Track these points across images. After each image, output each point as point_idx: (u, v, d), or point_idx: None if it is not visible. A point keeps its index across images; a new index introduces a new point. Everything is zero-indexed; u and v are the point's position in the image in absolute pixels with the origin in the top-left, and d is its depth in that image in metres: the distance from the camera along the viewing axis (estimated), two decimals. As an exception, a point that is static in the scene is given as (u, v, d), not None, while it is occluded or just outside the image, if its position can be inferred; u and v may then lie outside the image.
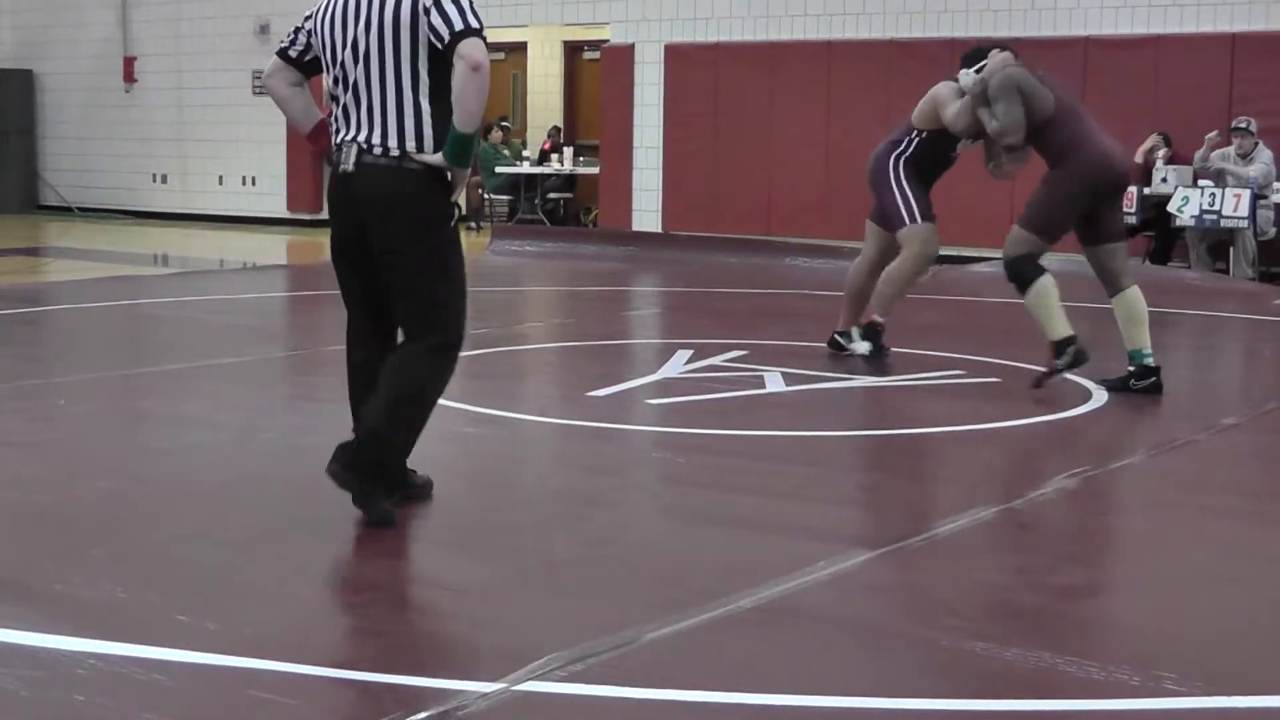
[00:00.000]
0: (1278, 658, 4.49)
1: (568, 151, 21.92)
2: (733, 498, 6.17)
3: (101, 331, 11.52)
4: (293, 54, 5.81)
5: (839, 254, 17.12)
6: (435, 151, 5.52)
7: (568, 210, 22.81)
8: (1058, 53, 16.36)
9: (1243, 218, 14.96)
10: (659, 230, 19.46)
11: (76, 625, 4.42)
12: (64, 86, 25.18)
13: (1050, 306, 8.66)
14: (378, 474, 5.61)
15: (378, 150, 5.53)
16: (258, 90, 22.89)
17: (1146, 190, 15.96)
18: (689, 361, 9.47)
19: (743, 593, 4.79)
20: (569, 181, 22.39)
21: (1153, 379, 8.60)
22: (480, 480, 6.53)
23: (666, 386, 8.65)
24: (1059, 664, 4.22)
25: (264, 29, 22.77)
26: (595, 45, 21.94)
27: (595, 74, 21.92)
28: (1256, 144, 15.32)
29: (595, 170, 20.93)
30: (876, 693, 4.02)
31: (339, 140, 5.65)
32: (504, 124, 22.56)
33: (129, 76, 24.42)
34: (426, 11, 5.43)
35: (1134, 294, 8.71)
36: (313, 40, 5.74)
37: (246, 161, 23.25)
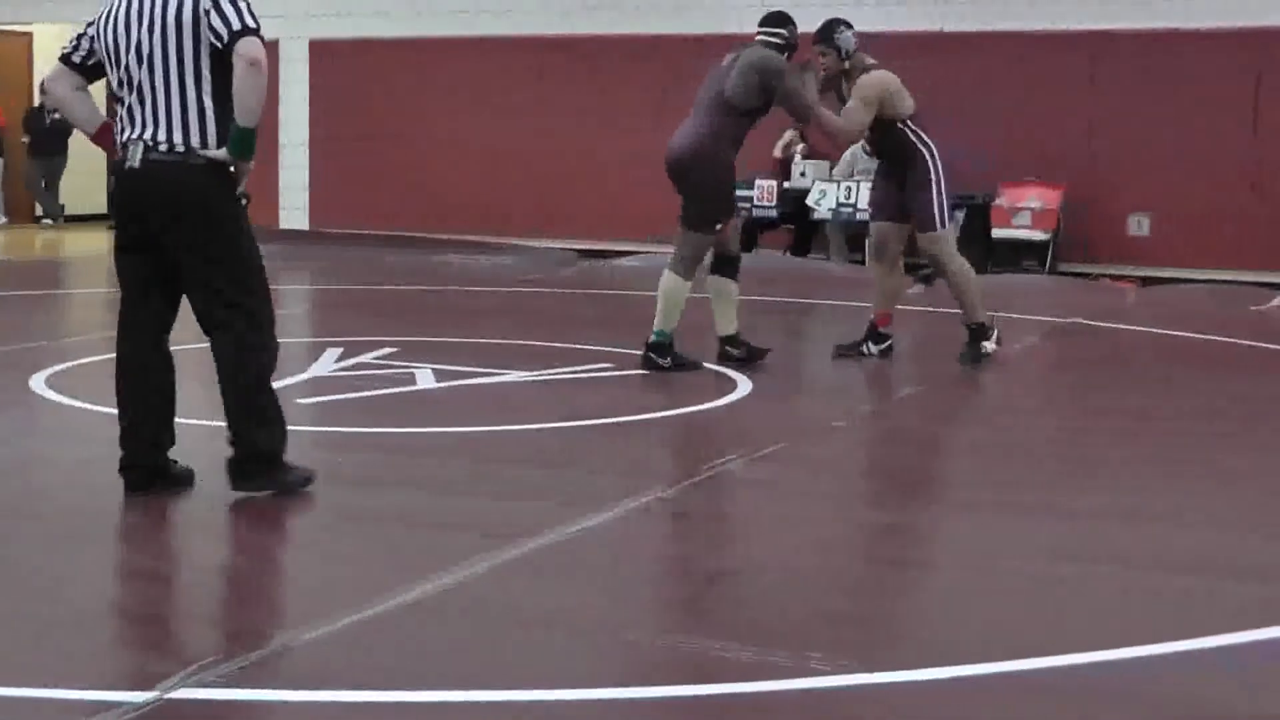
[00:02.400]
0: (920, 632, 4.66)
1: (212, 148, 21.46)
2: (387, 495, 6.15)
3: None
4: (75, 59, 5.98)
5: (492, 249, 17.17)
6: (219, 147, 5.74)
7: (213, 208, 22.33)
8: (706, 49, 16.65)
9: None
10: (306, 228, 19.21)
11: None
12: None
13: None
14: (272, 463, 5.92)
15: (163, 147, 5.74)
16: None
17: (786, 184, 16.36)
18: (339, 360, 9.38)
19: (400, 589, 4.77)
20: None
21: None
22: (127, 485, 6.38)
23: (316, 385, 8.55)
24: (714, 649, 4.30)
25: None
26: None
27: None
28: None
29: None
30: (536, 684, 4.05)
31: (124, 139, 5.82)
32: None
33: None
34: (206, 13, 5.67)
35: (666, 278, 9.24)
36: (95, 45, 5.92)
37: None
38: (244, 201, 5.93)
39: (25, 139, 21.63)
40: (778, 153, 16.50)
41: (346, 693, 3.96)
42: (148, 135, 5.74)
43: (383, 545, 5.49)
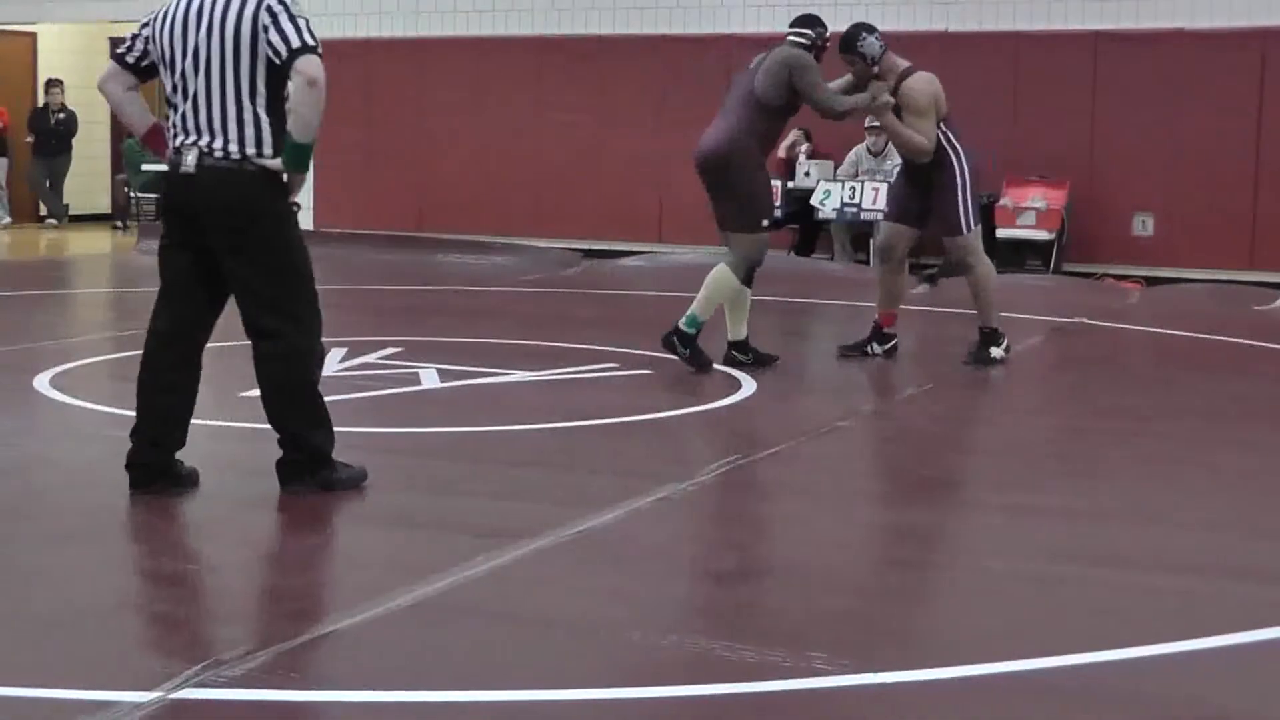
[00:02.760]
0: (921, 632, 4.67)
1: (215, 147, 21.47)
2: (390, 495, 6.15)
3: None
4: (129, 60, 6.05)
5: (494, 249, 17.19)
6: (274, 157, 5.82)
7: (216, 208, 22.32)
8: (706, 49, 16.70)
9: (882, 210, 15.44)
10: (310, 228, 19.22)
11: None
12: None
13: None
14: (324, 463, 6.05)
15: (218, 154, 5.80)
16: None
17: (790, 185, 16.38)
18: (342, 360, 9.39)
19: (402, 590, 4.78)
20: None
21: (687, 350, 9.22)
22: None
23: (321, 385, 8.54)
24: (715, 649, 4.31)
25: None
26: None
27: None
28: (889, 141, 15.81)
29: (244, 167, 20.57)
30: (538, 685, 4.06)
31: (178, 144, 5.88)
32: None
33: None
34: (265, 29, 5.75)
35: (720, 269, 9.23)
36: (150, 47, 5.97)
37: None
38: (295, 209, 6.00)
39: (29, 139, 21.63)
40: (782, 153, 16.52)
41: (349, 693, 3.98)
42: (203, 142, 5.82)
43: (385, 545, 5.50)
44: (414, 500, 6.12)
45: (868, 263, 15.78)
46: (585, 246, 17.44)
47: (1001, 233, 15.76)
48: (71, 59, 22.37)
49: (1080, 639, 4.45)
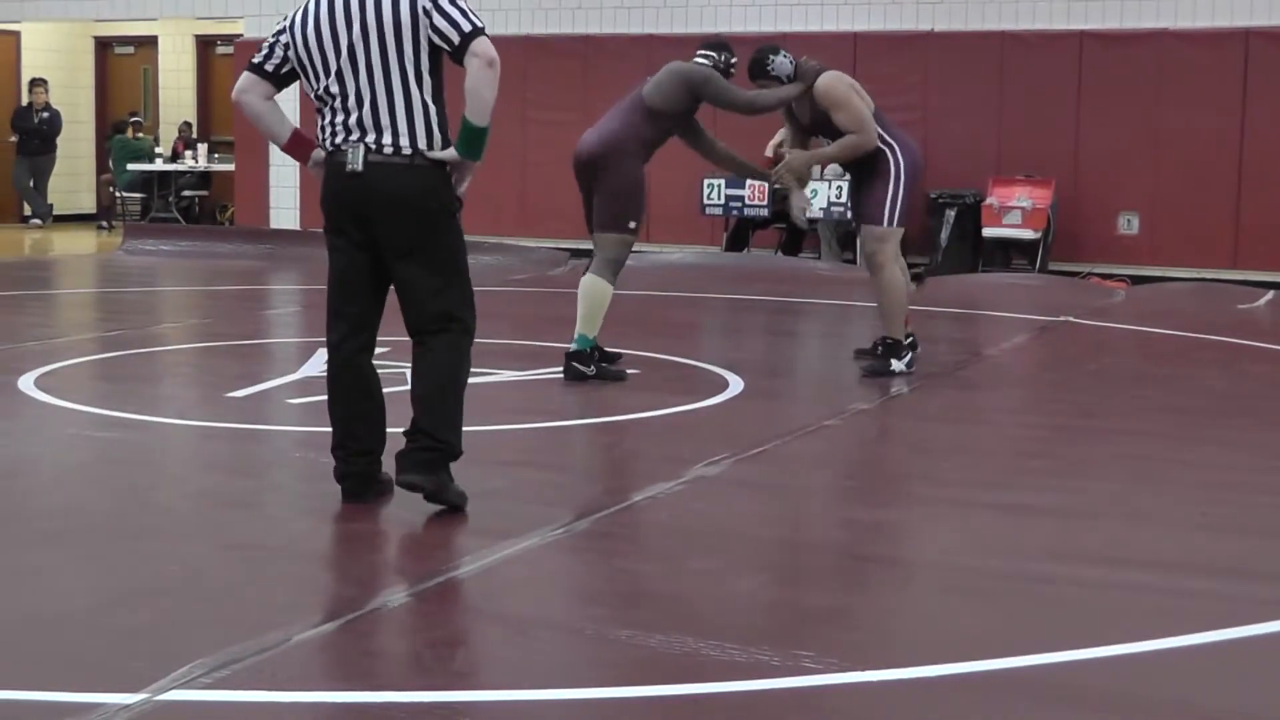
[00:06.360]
0: (909, 630, 4.67)
1: (202, 148, 21.47)
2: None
3: None
4: (269, 68, 5.95)
5: (478, 249, 17.17)
6: (444, 148, 5.70)
7: (203, 208, 22.34)
8: (693, 49, 16.67)
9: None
10: (297, 228, 19.21)
11: None
12: None
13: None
14: (443, 466, 5.83)
15: (388, 150, 5.68)
16: None
17: (777, 184, 16.36)
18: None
19: (388, 590, 4.78)
20: (204, 178, 21.95)
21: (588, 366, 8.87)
22: (117, 485, 6.38)
23: (307, 385, 8.54)
24: (702, 648, 4.31)
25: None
26: (229, 40, 21.56)
27: (229, 69, 21.53)
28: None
29: (231, 167, 20.56)
30: (526, 685, 4.05)
31: (337, 143, 5.76)
32: (134, 119, 22.00)
33: None
34: (427, 14, 5.61)
35: (588, 280, 8.95)
36: (290, 53, 5.86)
37: None
38: (458, 204, 5.89)
39: (13, 139, 21.58)
40: (769, 152, 16.51)
41: (337, 694, 3.97)
42: (369, 139, 5.69)
43: (368, 547, 5.50)
44: (399, 500, 6.09)
45: (855, 262, 15.78)
46: (572, 246, 17.42)
47: (988, 232, 15.79)
48: (55, 58, 22.33)
49: (1067, 637, 4.45)
